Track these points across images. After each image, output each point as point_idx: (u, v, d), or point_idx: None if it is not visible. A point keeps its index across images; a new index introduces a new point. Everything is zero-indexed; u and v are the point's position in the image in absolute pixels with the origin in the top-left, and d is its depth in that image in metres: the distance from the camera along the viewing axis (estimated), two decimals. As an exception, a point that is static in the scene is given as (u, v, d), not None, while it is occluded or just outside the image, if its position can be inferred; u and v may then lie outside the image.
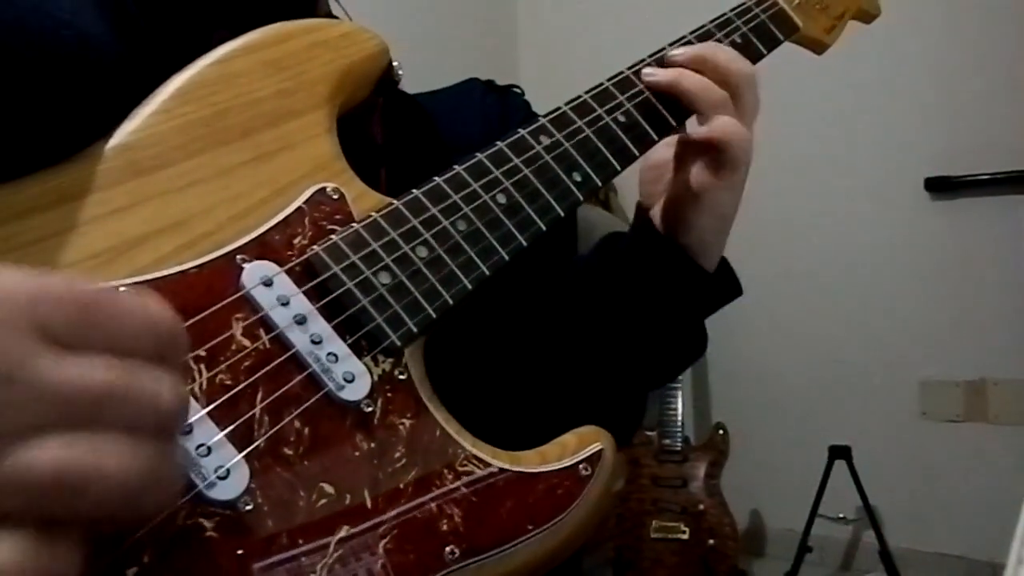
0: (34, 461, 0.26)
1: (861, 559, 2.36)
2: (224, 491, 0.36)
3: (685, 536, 2.17)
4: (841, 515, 2.29)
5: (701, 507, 2.18)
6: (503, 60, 2.91)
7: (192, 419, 0.36)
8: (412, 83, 0.70)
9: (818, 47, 0.72)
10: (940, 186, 2.28)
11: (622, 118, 0.57)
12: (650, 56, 0.61)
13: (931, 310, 2.30)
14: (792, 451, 2.45)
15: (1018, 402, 2.20)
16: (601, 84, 0.58)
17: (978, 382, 2.26)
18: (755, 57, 0.65)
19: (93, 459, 0.26)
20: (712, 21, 0.65)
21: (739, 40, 0.64)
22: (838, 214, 2.42)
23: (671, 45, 0.62)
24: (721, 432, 2.28)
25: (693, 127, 0.58)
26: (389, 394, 0.42)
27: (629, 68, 0.60)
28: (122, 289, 0.30)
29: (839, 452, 2.15)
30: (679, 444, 2.28)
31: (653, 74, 0.58)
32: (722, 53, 0.59)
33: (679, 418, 2.30)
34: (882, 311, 2.36)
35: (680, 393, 2.32)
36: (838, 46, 0.74)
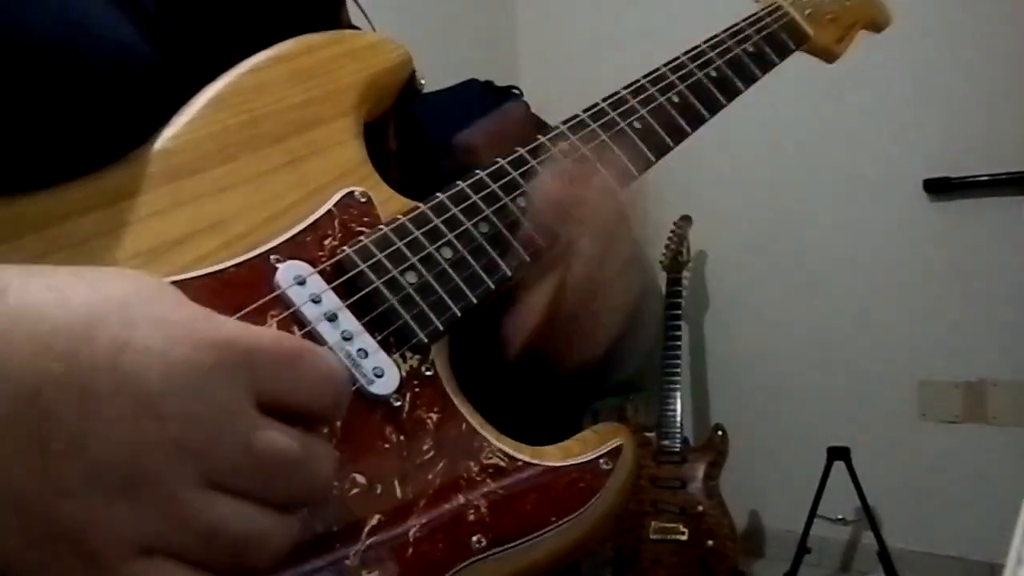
0: (206, 516, 0.29)
1: (860, 560, 2.37)
2: None
3: (684, 537, 2.17)
4: (840, 516, 2.30)
5: (700, 508, 2.18)
6: (503, 60, 2.91)
7: None
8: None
9: (829, 57, 0.74)
10: (939, 187, 2.28)
11: (638, 124, 0.58)
12: (664, 65, 0.62)
13: (930, 311, 2.30)
14: (791, 452, 2.45)
15: (1017, 403, 2.21)
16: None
17: (977, 383, 2.26)
18: (767, 66, 0.66)
19: (257, 528, 0.30)
20: (725, 31, 0.66)
21: (752, 49, 0.65)
22: (837, 215, 2.42)
23: (685, 54, 0.63)
24: (720, 433, 2.28)
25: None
26: (417, 389, 0.44)
27: (644, 76, 0.61)
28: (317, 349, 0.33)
29: (838, 453, 2.15)
30: (678, 445, 2.28)
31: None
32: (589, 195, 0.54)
33: (678, 419, 2.30)
34: (881, 312, 2.37)
35: (679, 394, 2.33)
36: (848, 54, 0.75)
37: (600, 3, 2.78)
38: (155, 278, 0.32)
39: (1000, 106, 2.21)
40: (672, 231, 2.44)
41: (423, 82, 0.54)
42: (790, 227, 2.49)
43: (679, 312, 2.37)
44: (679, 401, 2.32)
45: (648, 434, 2.31)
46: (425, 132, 0.70)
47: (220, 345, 0.30)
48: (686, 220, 2.46)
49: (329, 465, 0.32)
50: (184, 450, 0.29)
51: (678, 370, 2.34)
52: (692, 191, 2.36)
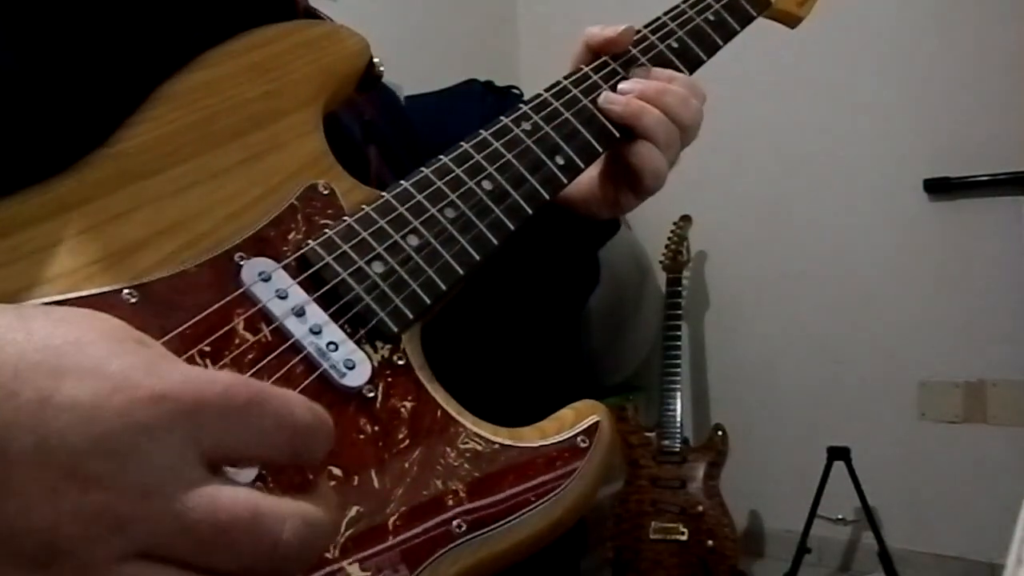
0: None
1: (860, 560, 2.36)
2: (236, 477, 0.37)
3: (684, 537, 2.17)
4: (840, 516, 2.30)
5: (700, 508, 2.18)
6: (503, 60, 2.91)
7: None
8: (412, 83, 0.71)
9: (791, 20, 0.73)
10: (939, 187, 2.28)
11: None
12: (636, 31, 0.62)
13: (930, 311, 2.30)
14: (791, 452, 2.45)
15: (1017, 403, 2.20)
16: (580, 69, 0.59)
17: (977, 383, 2.26)
18: (729, 35, 0.65)
19: None
20: (685, 1, 0.65)
21: (712, 17, 0.65)
22: (837, 215, 2.42)
23: (646, 27, 0.63)
24: (720, 433, 2.28)
25: (641, 158, 0.59)
26: (389, 379, 0.43)
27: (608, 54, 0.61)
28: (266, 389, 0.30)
29: (838, 453, 2.15)
30: (678, 445, 2.28)
31: (613, 102, 0.58)
32: (675, 89, 0.59)
33: (678, 419, 2.30)
34: (881, 312, 2.37)
35: (679, 394, 2.33)
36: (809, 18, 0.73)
37: (600, 3, 2.79)
38: (107, 318, 0.30)
39: (1000, 106, 2.21)
40: (672, 231, 2.44)
41: (382, 69, 0.53)
42: (790, 227, 2.49)
43: (679, 312, 2.37)
44: (679, 401, 2.32)
45: (648, 434, 2.31)
46: (411, 122, 0.69)
47: (159, 398, 0.27)
48: (686, 220, 2.46)
49: (289, 531, 0.28)
50: (109, 518, 0.26)
51: (678, 370, 2.34)
52: (692, 191, 2.36)
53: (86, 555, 0.26)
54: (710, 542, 2.15)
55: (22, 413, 0.26)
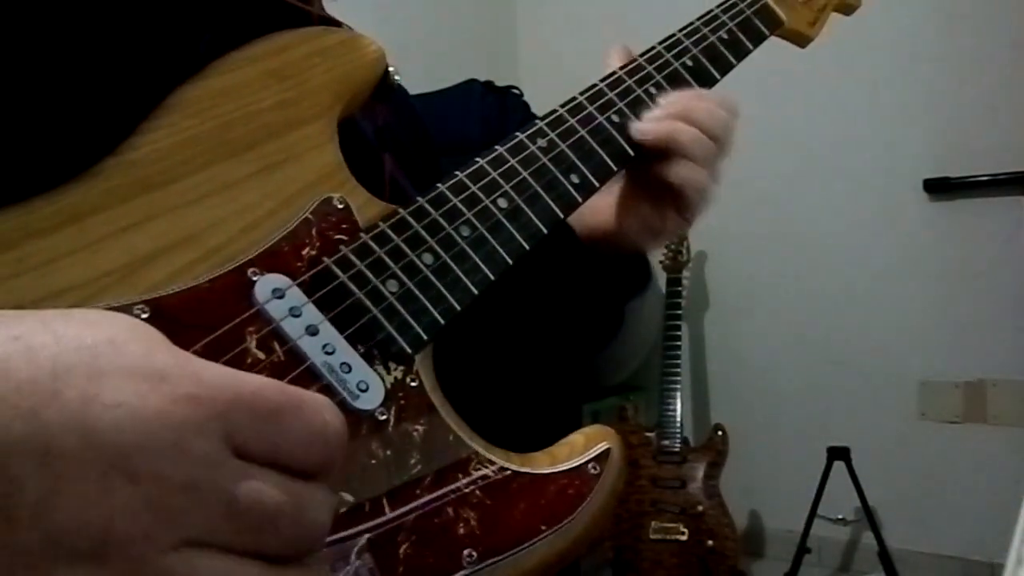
0: None
1: (860, 560, 2.37)
2: None
3: (684, 537, 2.17)
4: (840, 516, 2.30)
5: (700, 508, 2.19)
6: (503, 60, 2.91)
7: None
8: (412, 83, 0.71)
9: (801, 40, 0.73)
10: (939, 187, 2.28)
11: (616, 118, 0.58)
12: (641, 55, 0.62)
13: (930, 311, 2.30)
14: (791, 452, 2.45)
15: (1017, 403, 2.21)
16: (595, 85, 0.59)
17: (977, 383, 2.26)
18: (742, 54, 0.66)
19: None
20: (699, 18, 0.66)
21: (726, 36, 0.65)
22: (837, 215, 2.42)
23: (661, 43, 0.63)
24: (720, 433, 2.28)
25: (681, 176, 0.59)
26: (402, 401, 0.42)
27: (621, 68, 0.61)
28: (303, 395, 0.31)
29: (838, 453, 2.15)
30: (678, 445, 2.28)
31: (646, 132, 0.58)
32: (703, 104, 0.59)
33: (678, 419, 2.31)
34: (881, 312, 2.37)
35: (679, 394, 2.33)
36: (826, 41, 0.74)
37: (600, 3, 2.78)
38: (130, 319, 0.30)
39: (1000, 106, 2.21)
40: (672, 231, 2.44)
41: (397, 78, 0.53)
42: (790, 227, 2.49)
43: (679, 312, 2.38)
44: (679, 401, 2.32)
45: (648, 434, 2.32)
46: (425, 127, 0.70)
47: (195, 398, 0.28)
48: (686, 220, 2.46)
49: (325, 513, 0.30)
50: (158, 510, 0.27)
51: (678, 370, 2.34)
52: (692, 191, 2.36)
53: (140, 546, 0.26)
54: (710, 542, 2.15)
55: (66, 415, 0.26)
